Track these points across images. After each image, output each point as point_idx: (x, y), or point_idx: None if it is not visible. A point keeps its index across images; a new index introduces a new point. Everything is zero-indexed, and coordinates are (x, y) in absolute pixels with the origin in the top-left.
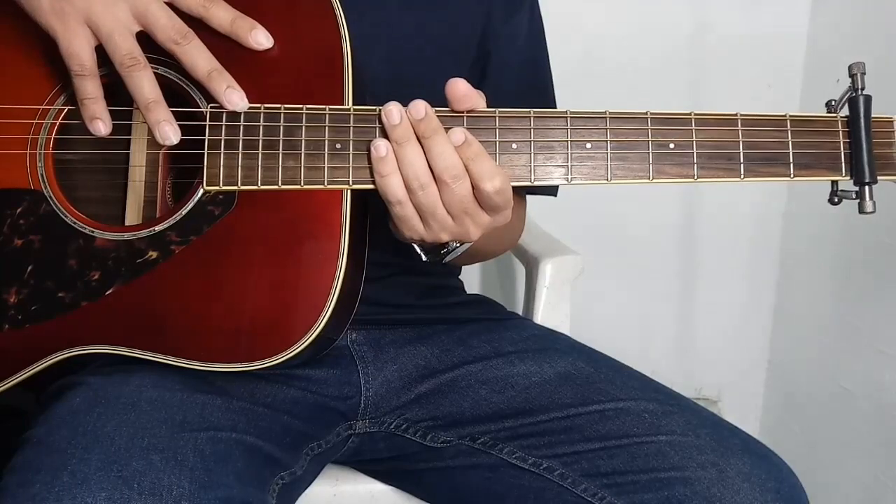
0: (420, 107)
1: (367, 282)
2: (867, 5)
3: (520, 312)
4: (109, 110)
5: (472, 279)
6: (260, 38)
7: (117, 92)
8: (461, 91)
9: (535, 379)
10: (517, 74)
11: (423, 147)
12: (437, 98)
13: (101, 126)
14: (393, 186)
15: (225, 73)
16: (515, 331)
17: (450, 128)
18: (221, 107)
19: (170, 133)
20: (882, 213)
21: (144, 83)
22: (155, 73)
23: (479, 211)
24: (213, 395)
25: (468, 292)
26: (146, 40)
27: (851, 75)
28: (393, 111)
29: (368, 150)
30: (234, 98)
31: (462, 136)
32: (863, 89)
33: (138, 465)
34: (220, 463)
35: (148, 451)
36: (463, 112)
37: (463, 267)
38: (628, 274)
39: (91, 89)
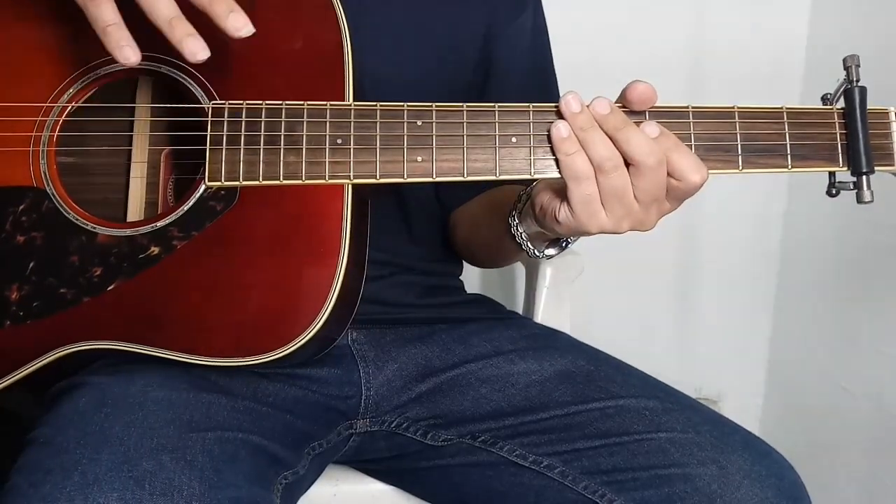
0: (604, 102)
1: (368, 281)
2: (867, 5)
3: (520, 312)
4: (111, 107)
5: (472, 279)
6: (237, 22)
7: (119, 91)
8: (641, 92)
9: (535, 377)
10: (521, 75)
11: (615, 139)
12: (438, 98)
13: (130, 53)
14: (579, 163)
15: (185, 21)
16: (515, 329)
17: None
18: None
19: (197, 48)
20: (881, 213)
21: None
22: (156, 71)
23: (665, 200)
24: (218, 394)
25: (468, 292)
26: (147, 40)
27: (846, 67)
28: (572, 101)
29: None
30: (193, 46)
31: (657, 128)
32: (858, 81)
33: (149, 465)
34: (229, 463)
35: (158, 452)
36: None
37: (463, 267)
38: (628, 274)
39: (109, 14)
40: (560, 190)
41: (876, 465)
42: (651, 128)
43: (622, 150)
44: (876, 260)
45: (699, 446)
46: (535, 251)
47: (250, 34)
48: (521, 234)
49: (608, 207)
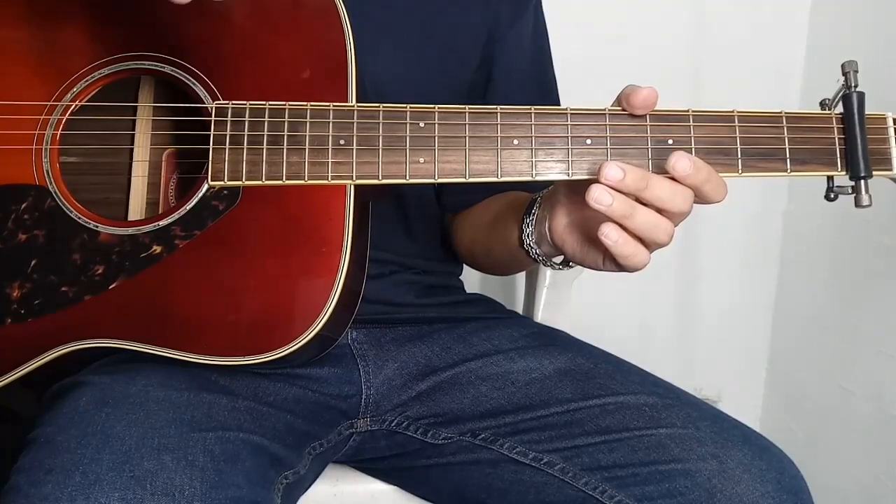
0: (613, 168)
1: (369, 280)
2: (866, 5)
3: (520, 312)
4: (114, 107)
5: (472, 279)
6: None
7: (121, 90)
8: (645, 97)
9: (534, 375)
10: (522, 76)
11: (642, 199)
12: (439, 99)
13: None
14: (629, 248)
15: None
16: (515, 328)
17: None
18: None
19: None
20: (881, 214)
21: None
22: (159, 71)
23: None
24: (219, 394)
25: (468, 292)
26: (150, 40)
27: (845, 73)
28: (601, 196)
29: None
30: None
31: (688, 162)
32: (856, 86)
33: (150, 465)
34: (230, 463)
35: (159, 452)
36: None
37: (463, 267)
38: (628, 274)
39: None
40: (591, 239)
41: (876, 465)
42: (683, 163)
43: (651, 205)
44: (876, 260)
45: (699, 442)
46: (554, 266)
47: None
48: (541, 257)
49: (650, 250)
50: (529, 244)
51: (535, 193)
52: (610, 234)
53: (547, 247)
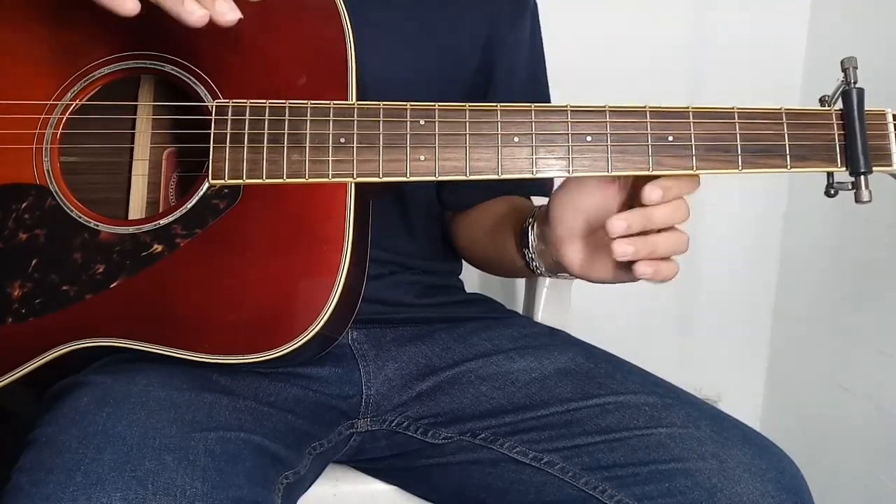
0: (618, 223)
1: (369, 280)
2: (866, 6)
3: (520, 312)
4: (114, 106)
5: (472, 279)
6: (223, 7)
7: (121, 89)
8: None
9: (535, 375)
10: (521, 80)
11: (650, 226)
12: (438, 98)
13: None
14: (671, 271)
15: None
16: (515, 328)
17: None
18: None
19: (226, 8)
20: (881, 214)
21: None
22: (158, 70)
23: None
24: (220, 394)
25: (468, 292)
26: (151, 39)
27: (844, 69)
28: (625, 250)
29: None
30: (224, 7)
31: (658, 189)
32: (855, 83)
33: (151, 465)
34: (231, 463)
35: (160, 452)
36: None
37: (463, 267)
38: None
39: None
40: (600, 258)
41: (876, 465)
42: (655, 194)
43: (663, 229)
44: (876, 260)
45: (699, 441)
46: (555, 277)
47: (236, 20)
48: (541, 271)
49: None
50: (536, 266)
51: (525, 221)
52: (645, 271)
53: (546, 259)
